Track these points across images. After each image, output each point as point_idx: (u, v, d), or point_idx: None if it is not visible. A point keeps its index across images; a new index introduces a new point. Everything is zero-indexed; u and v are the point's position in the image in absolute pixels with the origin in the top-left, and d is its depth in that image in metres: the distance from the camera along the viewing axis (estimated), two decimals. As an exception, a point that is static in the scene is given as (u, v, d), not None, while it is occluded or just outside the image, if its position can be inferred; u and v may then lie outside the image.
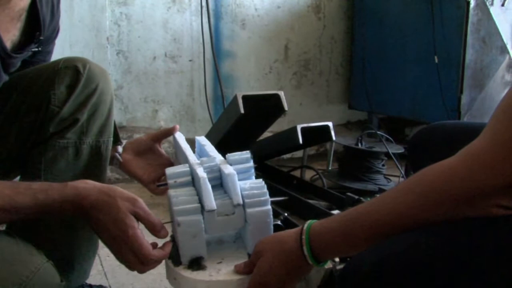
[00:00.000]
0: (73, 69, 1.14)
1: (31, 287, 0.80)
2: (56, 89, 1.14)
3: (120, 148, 1.29)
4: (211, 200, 0.91)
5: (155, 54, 2.79)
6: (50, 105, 1.13)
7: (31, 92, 1.15)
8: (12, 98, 1.16)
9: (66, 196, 0.88)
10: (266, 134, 2.05)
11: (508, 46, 2.55)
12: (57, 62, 1.17)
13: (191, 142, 1.21)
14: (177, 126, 1.32)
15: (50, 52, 1.31)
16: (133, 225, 0.90)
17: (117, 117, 2.74)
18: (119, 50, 2.70)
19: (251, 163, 1.01)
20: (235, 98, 1.61)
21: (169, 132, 1.31)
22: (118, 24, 2.68)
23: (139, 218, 0.92)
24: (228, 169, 0.96)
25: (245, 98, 1.59)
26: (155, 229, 0.94)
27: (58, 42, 2.41)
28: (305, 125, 1.86)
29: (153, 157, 1.31)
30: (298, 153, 2.68)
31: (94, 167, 1.20)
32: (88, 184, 0.91)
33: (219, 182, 1.00)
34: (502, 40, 2.53)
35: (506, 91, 2.57)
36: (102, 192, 0.90)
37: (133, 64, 2.75)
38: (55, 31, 1.26)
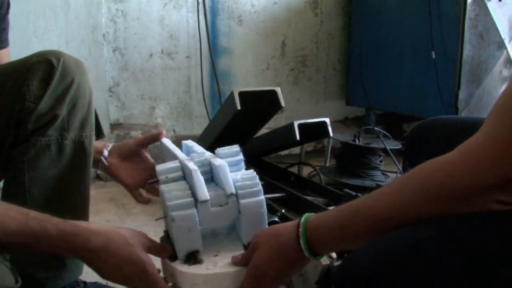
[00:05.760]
0: (46, 63, 1.11)
1: None
2: (30, 85, 1.10)
3: (106, 152, 1.27)
4: (204, 191, 0.91)
5: (151, 51, 2.78)
6: (25, 102, 1.10)
7: (3, 90, 1.12)
8: None
9: (63, 231, 0.85)
10: (263, 130, 2.05)
11: (506, 42, 2.55)
12: (29, 57, 1.13)
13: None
14: (164, 132, 1.30)
15: (4, 30, 1.27)
16: (151, 262, 0.91)
17: (114, 114, 2.73)
18: (115, 47, 2.70)
19: (241, 156, 1.02)
20: (232, 94, 1.60)
21: (156, 137, 1.29)
22: (114, 21, 2.67)
23: (150, 250, 0.94)
24: (219, 161, 0.96)
25: (242, 94, 1.59)
26: (166, 255, 0.96)
27: (54, 39, 2.41)
28: (302, 121, 1.86)
29: (138, 162, 1.29)
30: (296, 150, 2.67)
31: (78, 162, 1.19)
32: (90, 225, 0.89)
33: (210, 176, 1.00)
34: (500, 35, 2.53)
35: (503, 86, 2.59)
36: (109, 232, 0.89)
37: (130, 61, 2.74)
38: (3, 6, 1.23)
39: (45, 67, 1.11)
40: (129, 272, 0.89)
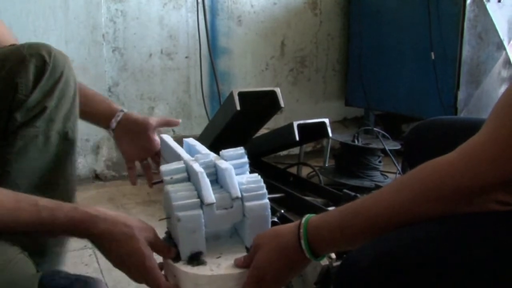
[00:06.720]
0: (39, 57, 1.12)
1: (4, 276, 0.80)
2: (23, 77, 1.11)
3: (114, 124, 1.31)
4: (210, 194, 0.91)
5: (151, 51, 2.78)
6: (17, 94, 1.11)
7: None
8: None
9: (73, 219, 0.89)
10: (263, 130, 2.05)
11: (505, 42, 2.55)
12: (19, 49, 1.13)
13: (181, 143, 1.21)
14: (179, 121, 1.38)
15: None
16: (150, 256, 0.93)
17: (113, 114, 2.73)
18: (115, 47, 2.69)
19: (246, 159, 1.02)
20: (231, 94, 1.60)
21: (169, 123, 1.36)
22: (114, 21, 2.67)
23: (154, 247, 0.95)
24: (224, 164, 0.96)
25: (241, 94, 1.59)
26: (169, 256, 0.97)
27: (54, 38, 2.41)
28: (301, 121, 1.86)
29: (143, 140, 1.34)
30: (295, 150, 2.67)
31: (63, 152, 1.21)
32: (100, 212, 0.92)
33: (215, 178, 1.00)
34: (499, 36, 2.53)
35: (503, 87, 2.59)
36: (117, 222, 0.92)
37: (129, 61, 2.74)
38: None
39: (38, 63, 1.12)
40: (129, 263, 0.92)
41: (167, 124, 1.37)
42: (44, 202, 0.89)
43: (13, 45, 1.18)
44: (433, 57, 2.55)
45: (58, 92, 1.16)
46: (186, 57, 2.86)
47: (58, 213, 0.88)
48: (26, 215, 0.85)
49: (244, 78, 3.05)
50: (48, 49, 1.14)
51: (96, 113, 1.33)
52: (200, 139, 1.93)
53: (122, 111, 1.34)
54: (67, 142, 1.21)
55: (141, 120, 1.34)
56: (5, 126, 1.14)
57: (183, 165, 1.00)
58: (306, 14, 3.15)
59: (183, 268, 0.92)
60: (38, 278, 0.88)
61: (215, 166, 1.00)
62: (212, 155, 1.03)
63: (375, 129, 2.50)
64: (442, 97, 2.55)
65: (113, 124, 1.32)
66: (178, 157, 1.06)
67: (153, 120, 1.35)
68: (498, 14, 2.50)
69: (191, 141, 1.19)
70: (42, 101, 1.14)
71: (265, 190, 0.96)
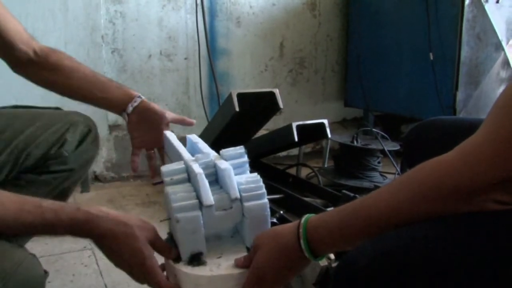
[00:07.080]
0: (86, 124, 1.31)
1: (15, 279, 0.81)
2: (71, 136, 1.27)
3: (130, 108, 1.33)
4: (208, 195, 0.91)
5: (150, 52, 2.78)
6: (62, 149, 1.25)
7: (49, 129, 1.25)
8: (29, 130, 1.24)
9: (75, 220, 0.90)
10: (262, 132, 2.05)
11: (503, 43, 2.56)
12: (70, 114, 1.32)
13: (184, 140, 1.21)
14: (194, 122, 1.42)
15: None
16: (151, 255, 0.94)
17: (112, 115, 2.69)
18: (114, 48, 2.69)
19: (246, 158, 1.02)
20: (230, 96, 1.61)
21: (184, 122, 1.40)
22: (113, 22, 2.67)
23: (154, 246, 0.96)
24: (224, 164, 0.96)
25: (240, 96, 1.60)
26: (169, 256, 0.98)
27: (53, 40, 2.41)
28: (300, 122, 1.86)
29: (155, 130, 1.35)
30: (294, 151, 2.67)
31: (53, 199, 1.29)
32: (102, 212, 0.93)
33: (215, 178, 1.00)
34: (497, 37, 2.54)
35: (501, 88, 2.59)
36: (119, 221, 0.93)
37: (128, 62, 2.74)
38: None
39: (85, 128, 1.30)
40: (130, 262, 0.93)
41: (181, 122, 1.39)
42: (47, 203, 0.90)
43: (59, 108, 1.37)
44: (431, 58, 2.56)
45: (86, 160, 1.31)
46: (185, 58, 2.86)
47: (61, 214, 0.89)
48: (30, 217, 0.87)
49: (243, 79, 3.05)
50: (95, 124, 1.35)
51: (112, 98, 1.34)
52: (200, 140, 1.93)
53: (140, 97, 1.35)
54: (60, 194, 1.30)
55: (158, 111, 1.35)
56: (35, 165, 1.24)
57: (183, 165, 1.00)
58: (305, 15, 3.15)
59: (184, 268, 0.93)
60: (46, 278, 0.89)
61: (215, 166, 1.00)
62: (213, 154, 1.03)
63: (374, 130, 2.51)
64: (441, 98, 2.55)
65: (129, 108, 1.33)
66: (179, 156, 1.07)
67: (169, 115, 1.36)
68: (496, 15, 2.50)
69: (194, 138, 1.19)
70: (75, 165, 1.29)
71: (264, 190, 0.96)
